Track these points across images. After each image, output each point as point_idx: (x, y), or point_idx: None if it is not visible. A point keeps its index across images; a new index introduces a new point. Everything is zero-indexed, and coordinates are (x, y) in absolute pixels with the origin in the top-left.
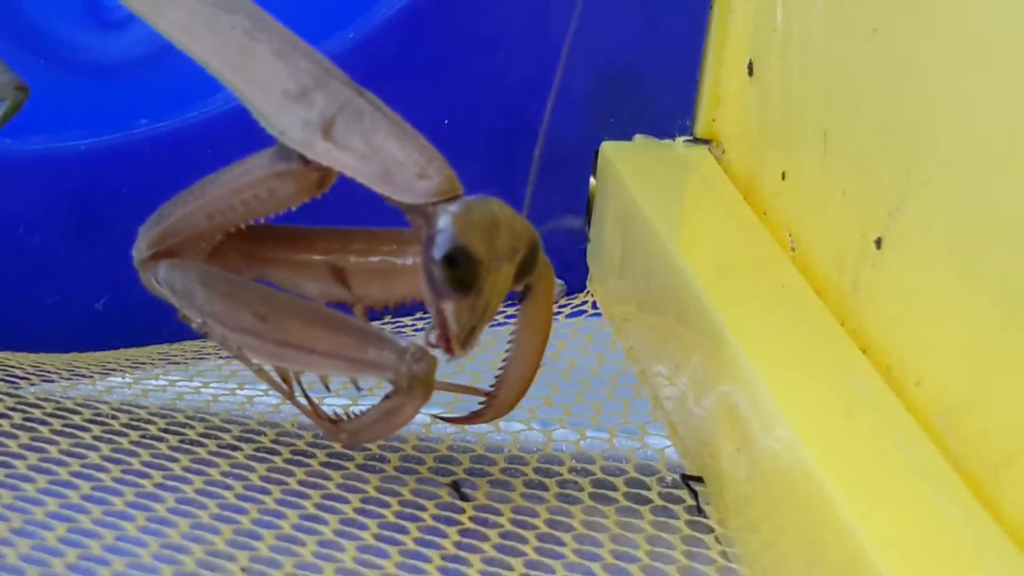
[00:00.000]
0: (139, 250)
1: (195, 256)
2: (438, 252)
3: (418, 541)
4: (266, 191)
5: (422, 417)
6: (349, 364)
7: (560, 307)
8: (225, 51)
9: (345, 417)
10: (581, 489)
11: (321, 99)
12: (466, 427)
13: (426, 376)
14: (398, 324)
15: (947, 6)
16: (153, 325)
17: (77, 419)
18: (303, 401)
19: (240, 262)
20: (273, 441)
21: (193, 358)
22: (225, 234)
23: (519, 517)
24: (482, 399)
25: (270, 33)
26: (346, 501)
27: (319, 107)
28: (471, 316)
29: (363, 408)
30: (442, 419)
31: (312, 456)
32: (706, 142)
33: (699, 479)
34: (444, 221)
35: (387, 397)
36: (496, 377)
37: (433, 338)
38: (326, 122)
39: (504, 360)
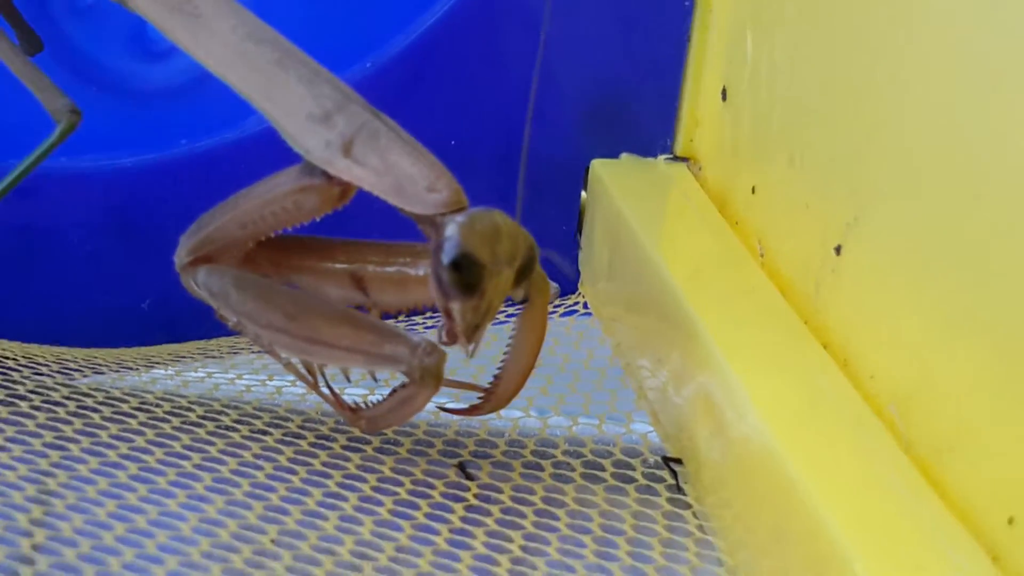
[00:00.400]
0: (180, 256)
1: (229, 262)
2: (446, 258)
3: (428, 516)
4: (293, 204)
5: (430, 405)
6: (368, 358)
7: (555, 307)
8: (256, 79)
9: (364, 406)
10: (573, 470)
11: (342, 121)
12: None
13: (436, 368)
14: (410, 323)
15: (898, 42)
16: (192, 323)
17: (125, 407)
18: (327, 391)
19: (269, 268)
20: (299, 427)
21: (228, 352)
22: (256, 242)
23: (518, 495)
24: (481, 394)
25: (296, 62)
26: (364, 480)
27: (340, 128)
28: (475, 315)
29: (380, 398)
30: (447, 410)
31: (334, 440)
32: (685, 160)
33: (678, 461)
34: (451, 230)
35: (401, 387)
36: (495, 375)
37: (443, 335)
38: (346, 142)
39: (502, 360)
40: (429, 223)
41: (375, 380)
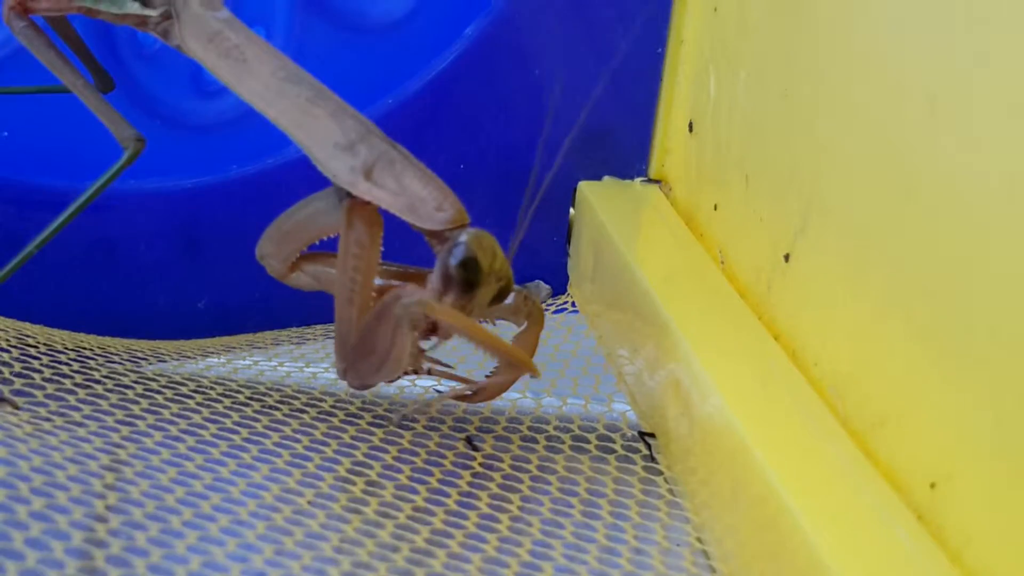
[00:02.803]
0: (269, 266)
1: (282, 269)
2: (455, 259)
3: (441, 481)
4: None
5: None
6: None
7: (547, 306)
8: (292, 113)
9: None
10: (563, 442)
11: (364, 150)
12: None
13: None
14: None
15: (840, 77)
16: (241, 319)
17: (184, 390)
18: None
19: (310, 279)
20: (332, 406)
21: (271, 344)
22: (299, 253)
23: (516, 463)
24: (473, 387)
25: (326, 100)
26: (386, 451)
27: (362, 156)
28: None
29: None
30: (447, 396)
31: (361, 418)
32: (657, 182)
33: (652, 435)
34: (463, 238)
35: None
36: (487, 375)
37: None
38: (367, 168)
39: (496, 366)
40: (436, 237)
41: None
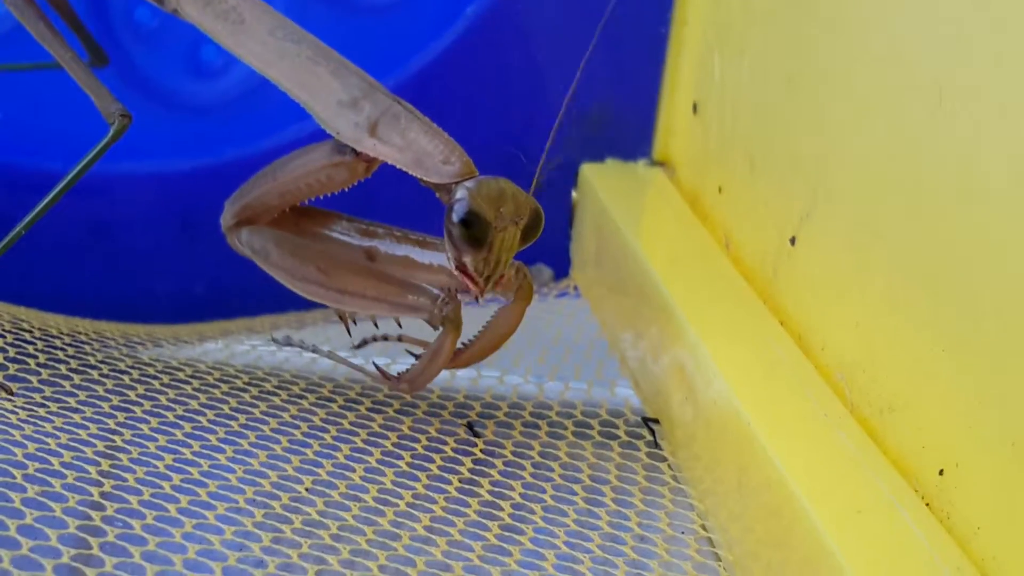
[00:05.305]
0: (225, 219)
1: (265, 224)
2: (456, 217)
3: (441, 468)
4: (326, 176)
5: (445, 373)
6: (393, 307)
7: (550, 290)
8: (294, 72)
9: (405, 372)
10: (565, 428)
11: (368, 106)
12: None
13: (454, 314)
14: None
15: (846, 64)
16: (239, 303)
17: (181, 375)
18: (373, 369)
19: (295, 231)
20: (331, 392)
21: (270, 328)
22: (288, 208)
23: (518, 450)
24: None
25: (327, 58)
26: (386, 438)
27: (366, 112)
28: (486, 266)
29: (411, 363)
30: (414, 355)
31: (360, 404)
32: (661, 164)
33: (656, 421)
34: (461, 193)
35: (429, 344)
36: (463, 343)
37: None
38: (372, 123)
39: (474, 336)
40: (444, 190)
41: (399, 326)
